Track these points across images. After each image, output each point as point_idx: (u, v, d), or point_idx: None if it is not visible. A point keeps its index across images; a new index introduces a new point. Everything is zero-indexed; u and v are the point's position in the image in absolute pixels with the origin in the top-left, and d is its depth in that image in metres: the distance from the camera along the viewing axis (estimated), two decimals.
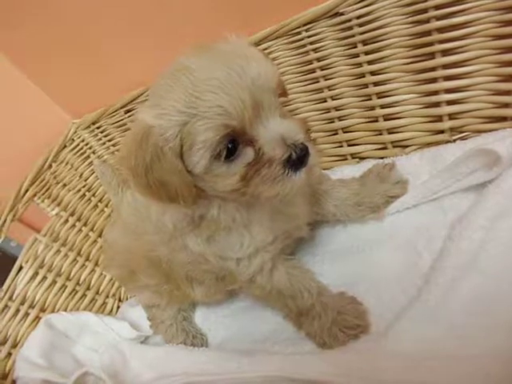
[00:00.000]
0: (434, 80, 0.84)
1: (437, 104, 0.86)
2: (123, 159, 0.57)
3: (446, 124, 0.87)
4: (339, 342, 0.72)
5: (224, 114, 0.51)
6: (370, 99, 0.91)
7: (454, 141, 0.88)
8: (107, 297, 1.19)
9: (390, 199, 0.85)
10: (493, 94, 0.81)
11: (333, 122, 0.99)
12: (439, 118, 0.88)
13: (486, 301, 0.65)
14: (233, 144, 0.54)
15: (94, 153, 1.34)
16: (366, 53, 0.87)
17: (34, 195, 1.15)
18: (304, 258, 0.91)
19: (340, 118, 0.97)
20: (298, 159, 0.56)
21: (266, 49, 0.92)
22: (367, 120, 0.94)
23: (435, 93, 0.85)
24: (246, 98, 0.52)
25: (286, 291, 0.75)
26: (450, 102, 0.85)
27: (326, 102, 0.96)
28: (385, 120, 0.92)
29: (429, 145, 0.90)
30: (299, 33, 0.89)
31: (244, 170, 0.56)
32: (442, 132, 0.89)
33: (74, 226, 1.21)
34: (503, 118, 0.82)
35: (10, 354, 0.99)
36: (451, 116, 0.86)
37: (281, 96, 0.59)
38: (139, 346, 0.96)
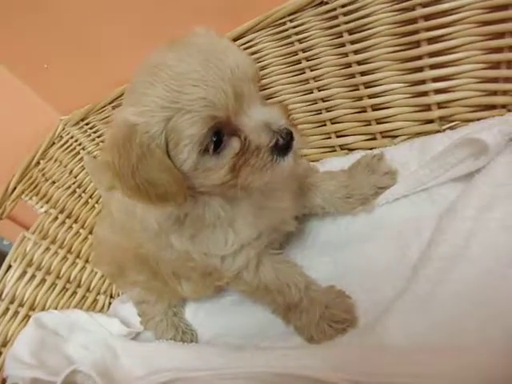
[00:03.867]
0: (420, 69, 0.83)
1: (425, 93, 0.85)
2: (107, 163, 0.55)
3: (435, 113, 0.86)
4: (327, 336, 0.72)
5: (209, 105, 0.51)
6: (358, 89, 0.90)
7: (444, 130, 0.86)
8: (98, 293, 1.18)
9: (380, 190, 0.84)
10: (481, 82, 0.80)
11: (320, 113, 0.97)
12: (428, 108, 0.86)
13: (475, 291, 0.64)
14: (217, 136, 0.54)
15: (83, 149, 1.33)
16: (352, 42, 0.85)
17: (22, 193, 1.14)
18: (292, 251, 0.90)
19: (327, 109, 0.96)
20: (284, 144, 0.55)
21: (250, 41, 0.91)
22: (355, 110, 0.93)
23: (423, 82, 0.84)
24: (228, 88, 0.51)
25: (273, 286, 0.74)
26: (438, 91, 0.84)
27: (312, 93, 0.95)
28: (373, 110, 0.91)
29: (418, 134, 0.89)
30: (284, 23, 0.87)
31: (232, 160, 0.56)
32: (431, 121, 0.87)
33: (63, 223, 1.20)
34: (492, 106, 0.80)
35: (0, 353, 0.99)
36: (440, 105, 0.85)
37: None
38: (130, 342, 0.95)
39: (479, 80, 0.79)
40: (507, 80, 0.77)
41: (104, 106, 1.21)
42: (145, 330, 1.01)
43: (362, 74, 0.88)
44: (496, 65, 0.77)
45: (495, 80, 0.78)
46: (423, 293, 0.68)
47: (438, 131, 0.86)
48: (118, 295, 1.18)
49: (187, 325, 0.97)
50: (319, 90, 0.94)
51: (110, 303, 1.17)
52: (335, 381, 0.59)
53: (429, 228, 0.75)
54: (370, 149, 0.94)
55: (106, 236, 0.90)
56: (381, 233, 0.83)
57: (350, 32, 0.84)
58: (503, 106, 0.79)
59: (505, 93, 0.78)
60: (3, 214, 1.09)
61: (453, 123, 0.85)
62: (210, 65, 0.51)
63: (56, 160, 1.25)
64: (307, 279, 0.77)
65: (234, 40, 0.90)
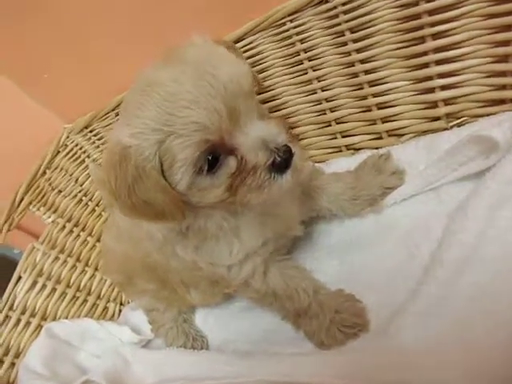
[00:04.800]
0: (426, 65, 0.81)
1: (431, 90, 0.83)
2: (104, 182, 0.56)
3: (442, 110, 0.84)
4: (338, 341, 0.71)
5: (201, 129, 0.50)
6: (362, 88, 0.88)
7: (451, 127, 0.84)
8: (108, 301, 1.18)
9: (387, 191, 0.82)
10: (488, 76, 0.77)
11: (325, 113, 0.95)
12: (434, 105, 0.84)
13: (488, 292, 0.63)
14: (213, 155, 0.53)
15: (88, 157, 1.32)
16: (354, 40, 0.83)
17: (30, 203, 1.15)
18: (301, 255, 0.89)
19: (332, 109, 0.94)
20: (282, 162, 0.54)
21: (250, 43, 0.90)
22: (360, 110, 0.91)
23: (429, 78, 0.82)
24: (221, 107, 0.50)
25: (282, 292, 0.73)
26: (444, 87, 0.81)
27: (316, 93, 0.93)
28: (378, 109, 0.89)
29: (425, 132, 0.87)
30: (284, 24, 0.86)
31: (228, 180, 0.55)
32: (438, 119, 0.85)
33: (71, 231, 1.20)
34: (501, 101, 0.78)
35: (13, 364, 0.99)
36: (447, 102, 0.83)
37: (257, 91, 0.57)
38: (141, 350, 0.95)
39: (486, 74, 0.77)
40: None
41: (107, 113, 1.20)
42: (155, 338, 1.00)
43: (366, 72, 0.86)
44: (503, 58, 0.75)
45: (503, 74, 0.76)
46: (435, 295, 0.67)
47: (446, 129, 0.84)
48: (128, 302, 1.18)
49: (197, 331, 0.96)
50: (323, 90, 0.92)
51: (120, 310, 1.17)
52: None
53: (438, 228, 0.74)
54: (377, 148, 0.92)
55: (113, 245, 0.90)
56: (390, 234, 0.81)
57: (352, 30, 0.82)
58: None
59: None
60: (11, 225, 1.09)
61: (460, 119, 0.83)
62: (203, 83, 0.50)
63: (62, 169, 1.25)
64: (316, 283, 0.76)
65: (235, 42, 0.89)
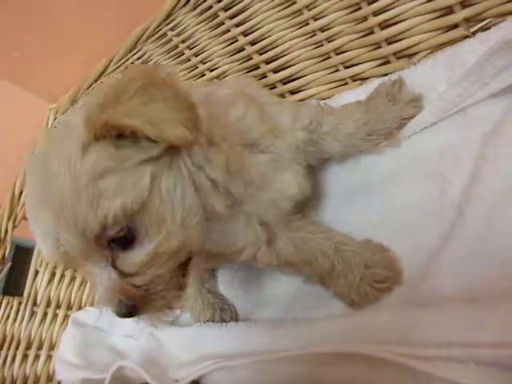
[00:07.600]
0: None
1: None
2: None
3: (459, 15, 0.69)
4: (370, 299, 0.64)
5: None
6: (360, 8, 0.74)
7: (474, 34, 0.71)
8: None
9: (405, 121, 0.72)
10: None
11: (321, 45, 0.82)
12: (449, 10, 0.70)
13: None
14: None
15: None
16: None
17: None
18: (317, 208, 0.81)
19: (329, 40, 0.81)
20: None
21: None
22: (360, 34, 0.78)
23: None
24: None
25: (296, 259, 0.66)
26: None
27: (308, 24, 0.80)
28: (381, 29, 0.76)
29: (441, 46, 0.74)
30: None
31: None
32: (455, 26, 0.72)
33: None
34: None
35: (50, 357, 1.00)
36: (464, 3, 0.69)
37: None
38: (170, 328, 0.92)
39: None
40: None
41: (90, 85, 1.11)
42: (181, 313, 0.97)
43: None
44: None
45: None
46: (473, 235, 0.59)
47: (467, 36, 0.71)
48: None
49: (224, 301, 0.91)
50: (315, 20, 0.78)
51: None
52: (388, 356, 0.52)
53: (470, 157, 0.64)
54: (386, 75, 0.80)
55: None
56: (413, 169, 0.72)
57: None
58: None
59: None
60: (15, 220, 1.05)
61: (485, 22, 0.69)
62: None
63: None
64: (337, 239, 0.67)
65: None
